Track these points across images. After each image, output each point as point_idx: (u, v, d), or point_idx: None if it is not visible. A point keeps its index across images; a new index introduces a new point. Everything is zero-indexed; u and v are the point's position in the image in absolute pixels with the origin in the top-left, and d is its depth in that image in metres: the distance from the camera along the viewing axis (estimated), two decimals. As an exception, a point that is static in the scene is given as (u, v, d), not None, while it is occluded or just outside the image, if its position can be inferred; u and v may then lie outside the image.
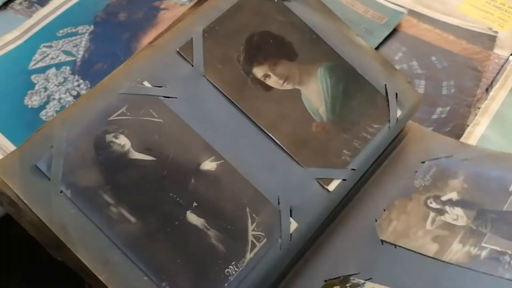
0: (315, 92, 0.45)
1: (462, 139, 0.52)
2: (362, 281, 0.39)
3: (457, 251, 0.40)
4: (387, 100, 0.46)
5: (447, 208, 0.42)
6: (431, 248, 0.40)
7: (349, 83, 0.45)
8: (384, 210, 0.42)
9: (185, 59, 0.43)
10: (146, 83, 0.41)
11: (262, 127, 0.42)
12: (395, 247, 0.40)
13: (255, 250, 0.38)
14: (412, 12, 0.62)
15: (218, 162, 0.40)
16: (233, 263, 0.37)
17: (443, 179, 0.44)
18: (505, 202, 0.41)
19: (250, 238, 0.38)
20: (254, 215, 0.39)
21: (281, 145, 0.41)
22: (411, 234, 0.40)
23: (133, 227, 0.36)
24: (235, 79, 0.43)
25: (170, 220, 0.37)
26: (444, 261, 0.39)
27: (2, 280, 0.41)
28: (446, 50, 0.59)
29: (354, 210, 0.43)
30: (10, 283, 0.42)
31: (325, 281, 0.40)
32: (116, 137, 0.39)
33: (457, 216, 0.41)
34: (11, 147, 0.48)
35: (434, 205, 0.42)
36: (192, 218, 0.38)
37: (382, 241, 0.41)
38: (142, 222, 0.37)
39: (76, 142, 0.38)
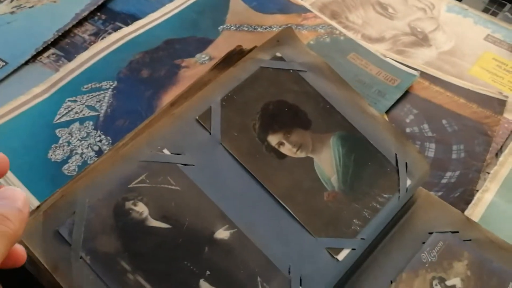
0: (328, 161, 0.46)
1: (471, 205, 0.53)
2: None
3: None
4: (397, 170, 0.47)
5: (451, 296, 0.43)
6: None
7: (361, 153, 0.47)
8: (391, 282, 0.43)
9: (203, 127, 0.45)
10: (165, 151, 0.43)
11: (275, 196, 0.43)
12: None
13: (265, 319, 0.39)
14: (424, 74, 0.64)
15: (232, 231, 0.41)
16: (243, 332, 0.38)
17: (449, 259, 0.45)
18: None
19: (261, 307, 0.40)
20: (265, 284, 0.40)
21: (293, 215, 0.43)
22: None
23: (148, 294, 0.38)
24: (251, 146, 0.45)
25: (184, 288, 0.39)
26: None
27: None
28: (456, 113, 0.60)
29: (361, 279, 0.44)
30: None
31: None
32: (135, 205, 0.40)
33: (460, 309, 0.42)
34: (33, 200, 0.50)
35: (439, 288, 0.43)
36: (205, 286, 0.39)
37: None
38: (157, 290, 0.38)
39: (97, 208, 0.40)
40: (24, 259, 0.34)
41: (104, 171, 0.41)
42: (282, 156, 0.46)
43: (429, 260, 0.45)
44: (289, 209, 0.43)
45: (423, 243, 0.46)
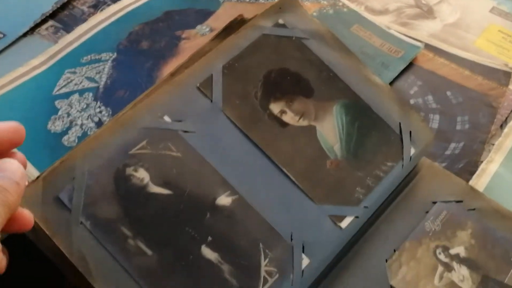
0: (330, 129, 0.45)
1: (475, 176, 0.52)
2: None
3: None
4: (401, 139, 0.46)
5: (455, 264, 0.43)
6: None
7: (364, 121, 0.46)
8: (395, 251, 0.43)
9: (204, 94, 0.44)
10: (166, 118, 0.42)
11: (277, 163, 0.43)
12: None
13: (267, 285, 0.39)
14: (428, 46, 0.63)
15: (233, 197, 0.41)
16: (245, 298, 0.38)
17: (453, 228, 0.45)
18: (507, 273, 0.42)
19: (263, 273, 0.39)
20: (267, 250, 0.40)
21: (295, 182, 0.42)
22: (420, 287, 0.41)
23: (149, 260, 0.37)
24: (252, 114, 0.44)
25: (185, 254, 0.38)
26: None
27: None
28: (461, 85, 0.60)
29: (365, 247, 0.44)
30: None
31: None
32: (135, 171, 0.40)
33: (463, 277, 0.42)
34: (33, 171, 0.49)
35: (442, 257, 0.43)
36: (207, 252, 0.39)
37: (391, 286, 0.41)
38: (158, 255, 0.38)
39: (97, 174, 0.39)
40: (31, 224, 0.34)
41: (104, 138, 0.41)
42: (284, 124, 0.45)
43: (433, 229, 0.45)
44: (291, 176, 0.42)
45: (427, 212, 0.46)
